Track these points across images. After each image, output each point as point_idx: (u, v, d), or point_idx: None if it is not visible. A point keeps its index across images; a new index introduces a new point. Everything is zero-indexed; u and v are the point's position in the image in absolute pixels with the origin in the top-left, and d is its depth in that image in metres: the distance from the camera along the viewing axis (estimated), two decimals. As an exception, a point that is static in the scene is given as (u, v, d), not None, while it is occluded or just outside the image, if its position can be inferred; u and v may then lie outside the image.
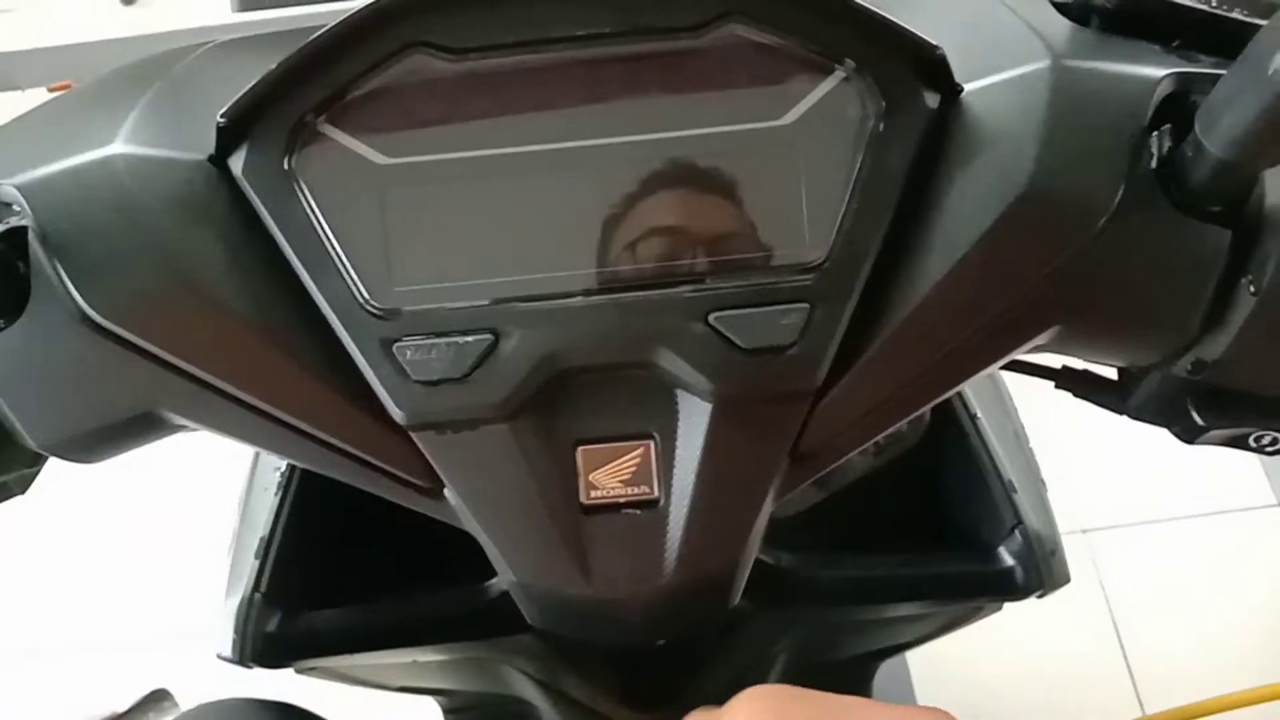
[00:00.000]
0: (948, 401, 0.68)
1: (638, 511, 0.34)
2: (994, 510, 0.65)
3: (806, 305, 0.32)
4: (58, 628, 1.51)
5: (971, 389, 0.68)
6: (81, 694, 1.40)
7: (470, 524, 0.34)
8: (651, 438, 0.34)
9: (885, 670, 0.86)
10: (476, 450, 0.33)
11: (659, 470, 0.34)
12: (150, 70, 0.38)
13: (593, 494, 0.34)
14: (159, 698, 1.39)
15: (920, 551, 0.65)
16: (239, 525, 0.68)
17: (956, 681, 1.34)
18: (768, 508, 0.34)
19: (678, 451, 0.33)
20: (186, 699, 1.38)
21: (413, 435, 0.33)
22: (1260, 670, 1.31)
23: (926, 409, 0.35)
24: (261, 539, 0.64)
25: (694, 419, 0.33)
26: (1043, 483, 0.69)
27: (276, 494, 0.66)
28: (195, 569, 1.44)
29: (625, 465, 0.34)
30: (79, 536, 1.59)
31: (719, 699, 0.75)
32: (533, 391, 0.32)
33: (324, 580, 0.67)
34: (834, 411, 0.33)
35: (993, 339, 0.33)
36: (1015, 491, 0.64)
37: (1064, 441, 1.41)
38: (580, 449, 0.34)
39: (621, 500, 0.34)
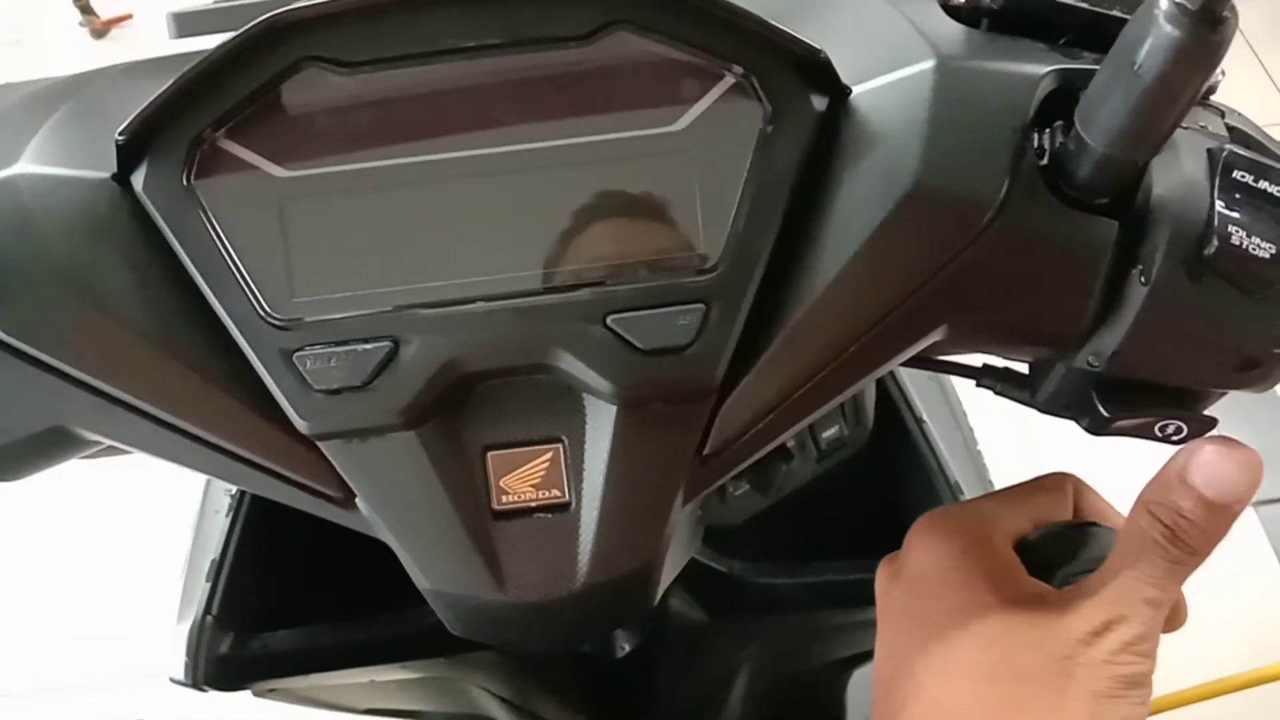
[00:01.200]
0: (894, 407, 0.69)
1: (549, 515, 0.34)
2: None
3: (702, 306, 0.32)
4: (30, 669, 1.50)
5: (918, 394, 0.69)
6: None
7: (383, 533, 0.35)
8: (560, 441, 0.34)
9: (861, 676, 0.86)
10: (384, 458, 0.33)
11: (569, 473, 0.34)
12: (60, 92, 0.38)
13: (504, 499, 0.34)
14: (136, 730, 1.38)
15: (874, 556, 0.66)
16: (191, 548, 0.68)
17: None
18: (679, 508, 0.35)
19: (586, 454, 0.34)
20: (164, 731, 1.37)
21: (320, 445, 0.33)
22: (1237, 661, 1.31)
23: (833, 406, 0.35)
24: (212, 561, 0.64)
25: (600, 421, 0.33)
26: (991, 484, 0.70)
27: (227, 516, 0.66)
28: (168, 601, 1.44)
29: (535, 469, 0.34)
30: (45, 576, 1.58)
31: (685, 711, 0.75)
32: (435, 397, 0.33)
33: (278, 601, 0.67)
34: (738, 411, 0.34)
35: (889, 336, 0.33)
36: (962, 494, 0.65)
37: (1039, 446, 1.42)
38: (490, 454, 0.34)
39: (533, 505, 0.34)
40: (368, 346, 0.32)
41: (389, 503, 0.34)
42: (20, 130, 0.35)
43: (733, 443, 0.34)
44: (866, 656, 0.83)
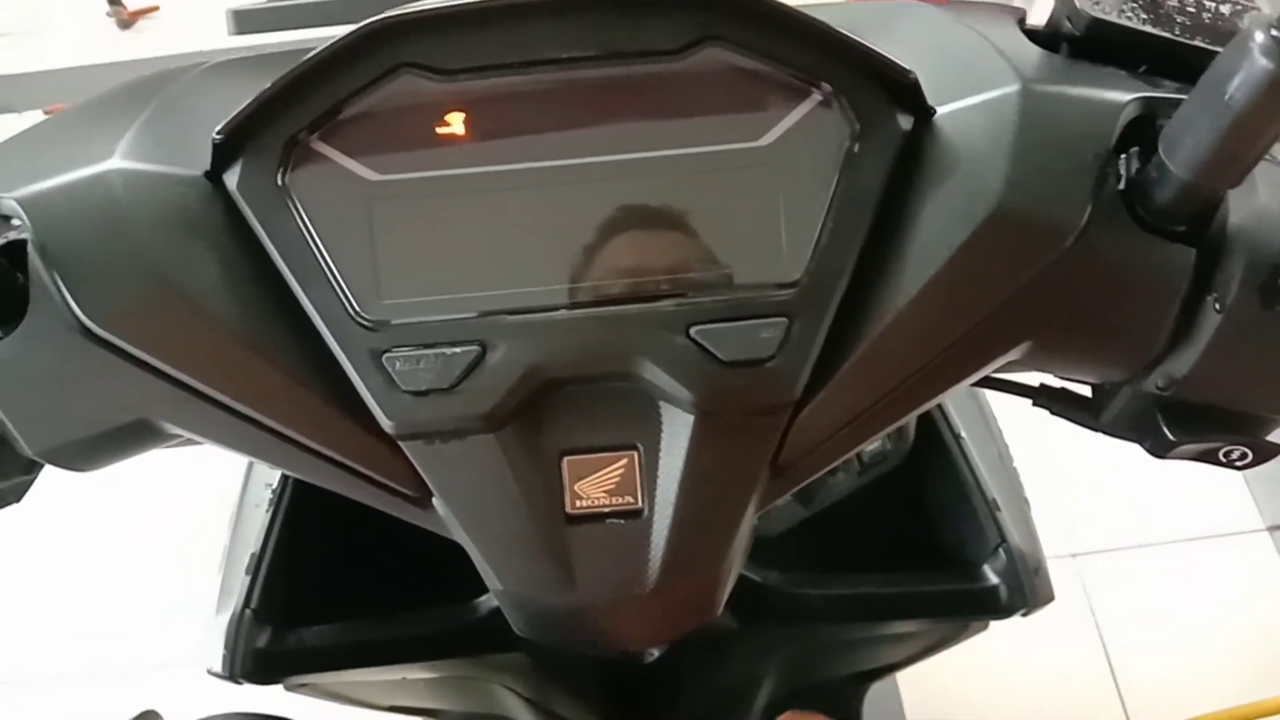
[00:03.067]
0: (932, 421, 0.69)
1: (622, 521, 0.34)
2: (978, 529, 0.65)
3: (785, 320, 0.33)
4: (45, 657, 1.51)
5: (955, 409, 0.69)
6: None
7: (457, 533, 0.35)
8: (635, 448, 0.34)
9: (876, 691, 0.87)
10: (464, 460, 0.34)
11: (643, 480, 0.34)
12: (148, 88, 0.39)
13: (578, 504, 0.34)
14: (149, 719, 1.38)
15: (906, 570, 0.66)
16: (230, 542, 0.68)
17: (946, 704, 1.34)
18: (749, 518, 0.35)
19: (661, 462, 0.34)
20: (176, 721, 1.37)
21: (401, 445, 0.34)
22: (1245, 693, 1.31)
23: (903, 422, 0.36)
24: (252, 555, 0.65)
25: (676, 430, 0.34)
26: (1026, 501, 0.70)
27: (268, 510, 0.66)
28: (182, 593, 1.44)
29: (610, 475, 0.34)
30: (61, 565, 1.59)
31: (704, 718, 0.75)
32: (518, 402, 0.33)
33: (314, 596, 0.67)
34: (813, 424, 0.34)
35: (964, 354, 0.34)
36: (999, 510, 0.65)
37: (1055, 465, 1.43)
38: (566, 459, 0.34)
39: (606, 510, 0.34)
40: (456, 350, 0.33)
41: (466, 503, 0.34)
42: (111, 127, 0.36)
43: (806, 454, 0.35)
44: (886, 670, 0.83)
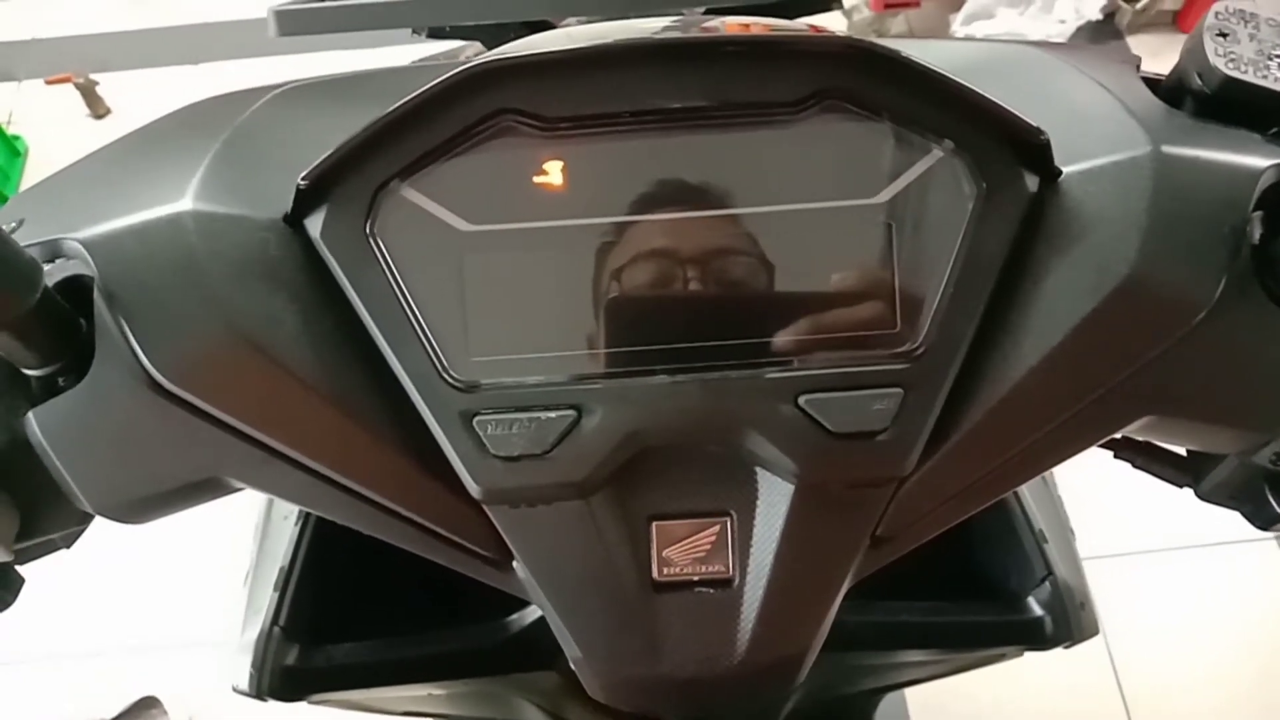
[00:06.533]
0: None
1: (711, 590, 0.33)
2: (1024, 560, 0.64)
3: (899, 391, 0.31)
4: (46, 635, 1.49)
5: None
6: (70, 701, 1.39)
7: (537, 598, 0.33)
8: (728, 515, 0.33)
9: (890, 701, 0.86)
10: (550, 525, 0.32)
11: (734, 549, 0.33)
12: (212, 119, 0.36)
13: (665, 571, 0.33)
14: (148, 704, 1.37)
15: (949, 599, 0.65)
16: (257, 554, 0.67)
17: (951, 713, 1.34)
18: (845, 589, 0.34)
19: (755, 531, 0.33)
20: (175, 706, 1.36)
21: (486, 509, 0.32)
22: (1255, 705, 1.31)
23: (1008, 493, 0.34)
24: (281, 569, 0.63)
25: (774, 498, 0.32)
26: (1071, 532, 0.69)
27: (296, 523, 0.64)
28: (186, 577, 1.43)
29: (700, 542, 0.33)
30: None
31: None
32: (614, 469, 0.32)
33: (342, 611, 0.65)
34: (918, 495, 0.33)
35: (1080, 428, 0.32)
36: (1046, 542, 0.64)
37: (1061, 469, 1.42)
38: (654, 524, 0.33)
39: (695, 578, 0.33)
40: (551, 415, 0.31)
41: (549, 569, 0.33)
42: (178, 163, 0.34)
43: (908, 526, 0.33)
44: (902, 684, 0.82)
